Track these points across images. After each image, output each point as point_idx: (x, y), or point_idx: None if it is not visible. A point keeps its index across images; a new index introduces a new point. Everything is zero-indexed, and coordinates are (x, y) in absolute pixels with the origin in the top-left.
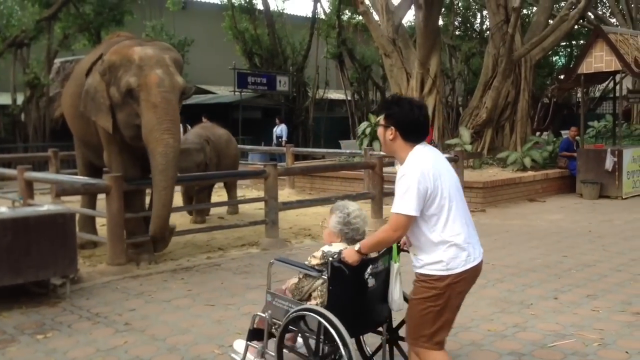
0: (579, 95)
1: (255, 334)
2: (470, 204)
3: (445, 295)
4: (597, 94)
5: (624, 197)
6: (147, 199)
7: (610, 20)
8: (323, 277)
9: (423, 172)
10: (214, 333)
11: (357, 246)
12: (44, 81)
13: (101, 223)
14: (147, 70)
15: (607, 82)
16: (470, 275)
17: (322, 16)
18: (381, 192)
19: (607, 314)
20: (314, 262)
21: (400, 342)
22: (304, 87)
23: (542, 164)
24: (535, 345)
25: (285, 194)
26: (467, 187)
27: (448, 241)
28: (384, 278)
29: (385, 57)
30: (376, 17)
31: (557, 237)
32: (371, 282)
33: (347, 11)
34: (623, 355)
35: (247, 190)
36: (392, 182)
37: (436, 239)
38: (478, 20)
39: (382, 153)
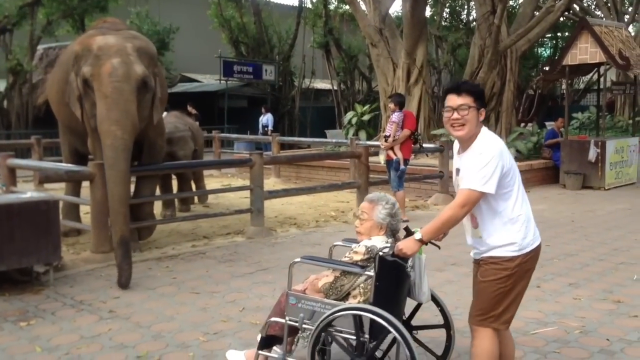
0: (564, 86)
1: (266, 342)
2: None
3: (516, 275)
4: (582, 86)
5: (606, 187)
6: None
7: (596, 12)
8: (367, 273)
9: (501, 149)
10: (198, 320)
11: (418, 235)
12: (26, 68)
13: (85, 211)
14: (103, 59)
15: (591, 74)
16: (536, 253)
17: (309, 5)
18: (367, 182)
19: (588, 302)
20: (357, 258)
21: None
22: (290, 76)
23: (526, 154)
24: (517, 333)
25: (271, 182)
26: (451, 176)
27: (518, 220)
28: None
29: (372, 46)
30: (363, 7)
31: (540, 226)
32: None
33: (333, 0)
34: (604, 343)
35: (232, 178)
36: (378, 171)
37: (506, 218)
38: (465, 11)
39: (367, 142)
